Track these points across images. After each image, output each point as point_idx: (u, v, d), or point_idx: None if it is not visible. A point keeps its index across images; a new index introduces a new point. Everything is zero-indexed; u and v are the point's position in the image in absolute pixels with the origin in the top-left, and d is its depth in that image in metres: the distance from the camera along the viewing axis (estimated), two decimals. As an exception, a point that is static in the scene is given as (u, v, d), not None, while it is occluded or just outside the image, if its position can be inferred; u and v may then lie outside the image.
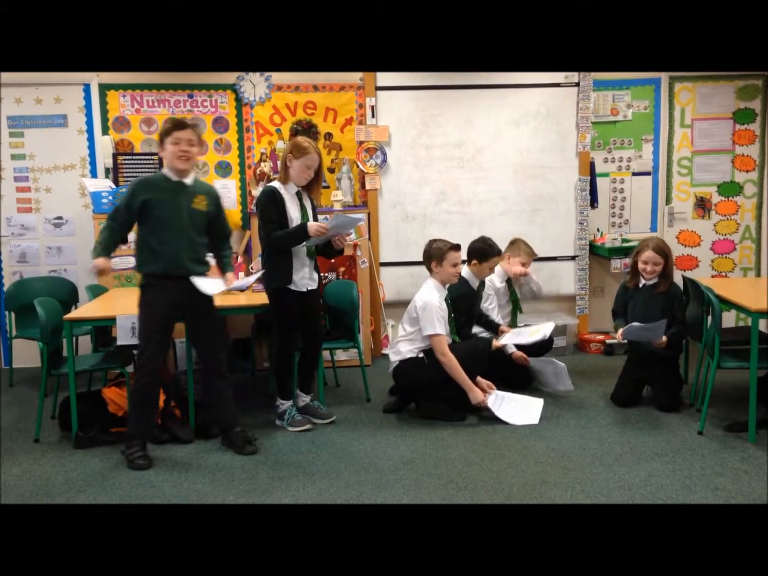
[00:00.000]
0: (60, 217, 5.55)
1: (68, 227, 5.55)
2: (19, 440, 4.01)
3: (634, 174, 5.87)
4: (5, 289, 5.29)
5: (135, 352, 3.93)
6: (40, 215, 5.55)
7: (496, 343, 4.45)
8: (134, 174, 5.16)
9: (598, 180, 5.71)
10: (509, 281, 4.88)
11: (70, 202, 5.53)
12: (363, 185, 5.56)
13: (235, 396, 4.03)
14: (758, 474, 3.33)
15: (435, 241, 4.28)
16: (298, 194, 3.96)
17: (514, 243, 4.89)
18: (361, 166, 5.48)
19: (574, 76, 5.49)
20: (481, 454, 3.66)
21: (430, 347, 4.13)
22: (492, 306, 4.76)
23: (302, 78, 5.51)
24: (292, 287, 3.90)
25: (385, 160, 5.47)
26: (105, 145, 5.38)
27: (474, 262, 4.51)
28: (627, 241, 5.64)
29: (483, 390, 4.20)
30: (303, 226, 3.81)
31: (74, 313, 4.22)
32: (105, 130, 5.45)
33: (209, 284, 3.63)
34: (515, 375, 4.60)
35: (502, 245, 4.88)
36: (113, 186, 5.17)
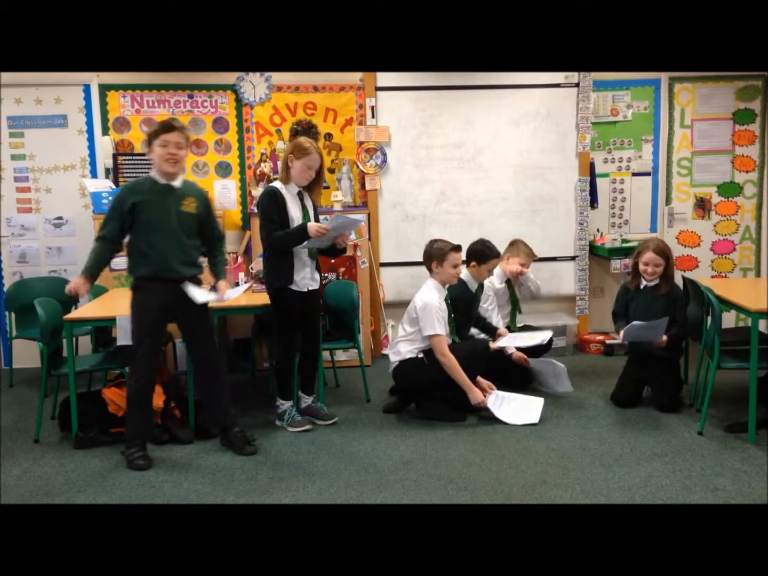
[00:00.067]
0: (60, 218, 5.55)
1: (68, 227, 5.55)
2: (19, 440, 4.01)
3: (634, 174, 5.88)
4: (5, 289, 5.29)
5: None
6: (40, 215, 5.55)
7: (494, 345, 4.45)
8: (134, 174, 5.16)
9: (598, 180, 5.71)
10: (509, 282, 4.88)
11: (70, 202, 5.53)
12: (363, 186, 5.56)
13: (235, 396, 4.04)
14: (758, 474, 3.33)
15: (436, 241, 4.28)
16: (300, 194, 3.96)
17: (514, 244, 4.89)
18: (361, 167, 5.48)
19: (574, 77, 5.49)
20: (481, 454, 3.66)
21: (430, 348, 4.13)
22: (492, 307, 4.76)
23: (302, 78, 5.51)
24: (293, 287, 3.90)
25: (385, 161, 5.47)
26: (105, 146, 5.38)
27: (473, 264, 4.51)
28: (627, 241, 5.64)
29: (483, 390, 4.20)
30: (303, 227, 3.81)
31: (74, 314, 4.22)
32: (105, 131, 5.45)
33: (199, 293, 3.62)
34: (515, 375, 4.60)
35: (503, 245, 4.88)
36: (113, 186, 5.17)
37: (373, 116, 5.44)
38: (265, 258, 3.97)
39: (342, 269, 5.33)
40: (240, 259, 4.91)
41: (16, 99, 5.41)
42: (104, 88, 5.43)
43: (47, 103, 5.44)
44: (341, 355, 5.24)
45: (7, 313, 5.18)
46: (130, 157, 5.32)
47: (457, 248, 4.22)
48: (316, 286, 4.04)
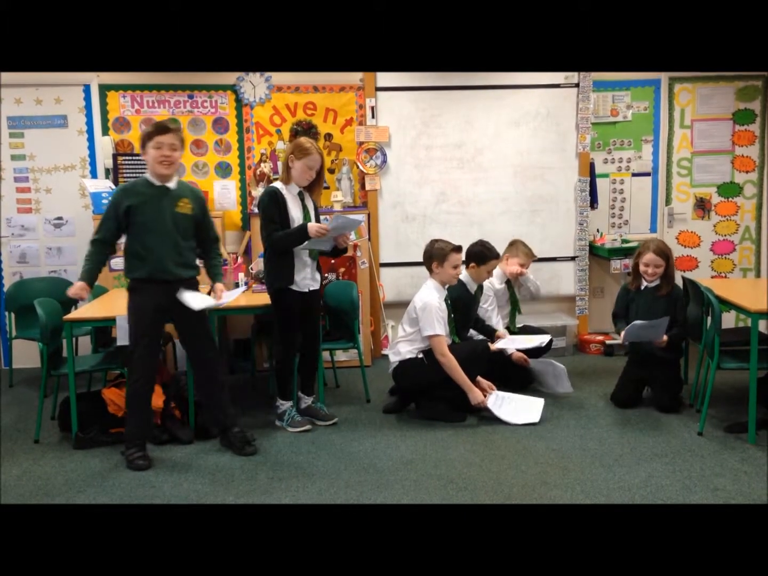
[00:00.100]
0: (60, 218, 5.55)
1: (68, 228, 5.55)
2: (19, 441, 4.01)
3: (634, 175, 5.88)
4: (5, 289, 5.29)
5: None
6: (40, 216, 5.55)
7: (492, 347, 4.44)
8: (134, 174, 5.15)
9: (598, 181, 5.71)
10: (508, 282, 4.88)
11: (70, 202, 5.53)
12: (363, 186, 5.56)
13: (235, 396, 4.04)
14: (758, 475, 3.33)
15: (437, 241, 4.28)
16: (300, 195, 3.96)
17: (513, 244, 4.89)
18: (361, 167, 5.48)
19: (573, 77, 5.49)
20: (481, 454, 3.66)
21: (430, 348, 4.13)
22: (491, 307, 4.76)
23: (302, 79, 5.51)
24: (294, 287, 3.90)
25: (385, 161, 5.47)
26: (105, 146, 5.38)
27: (472, 265, 4.51)
28: (627, 241, 5.64)
29: (483, 390, 4.20)
30: (303, 227, 3.81)
31: (74, 314, 4.22)
32: (105, 131, 5.45)
33: (197, 299, 3.61)
34: (515, 376, 4.60)
35: (503, 246, 4.89)
36: (113, 186, 5.17)
37: (373, 116, 5.44)
38: (266, 258, 3.97)
39: (342, 269, 5.33)
40: (240, 260, 4.91)
41: (16, 99, 5.41)
42: (104, 88, 5.43)
43: (47, 103, 5.44)
44: (341, 356, 5.25)
45: (7, 313, 5.18)
46: (130, 158, 5.32)
47: (458, 249, 4.23)
48: (316, 286, 4.04)
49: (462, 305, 4.41)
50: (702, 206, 5.97)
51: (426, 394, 4.22)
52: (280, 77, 5.51)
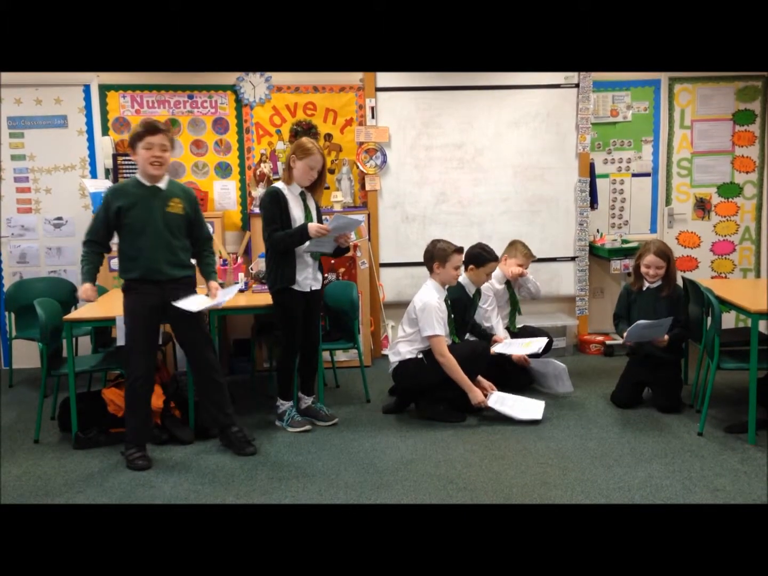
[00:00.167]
0: (60, 218, 5.55)
1: (68, 228, 5.55)
2: (19, 440, 4.01)
3: (634, 175, 5.88)
4: (5, 289, 5.29)
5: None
6: (40, 216, 5.55)
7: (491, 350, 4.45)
8: (134, 174, 5.15)
9: (598, 181, 5.71)
10: (508, 283, 4.87)
11: (70, 202, 5.53)
12: (363, 186, 5.56)
13: (235, 396, 4.04)
14: (758, 475, 3.33)
15: (438, 241, 4.28)
16: (302, 195, 3.96)
17: (512, 245, 4.89)
18: (361, 167, 5.48)
19: (573, 77, 5.49)
20: (481, 455, 3.65)
21: (430, 348, 4.13)
22: (491, 307, 4.76)
23: (302, 79, 5.51)
24: (296, 287, 3.90)
25: (385, 161, 5.47)
26: (105, 146, 5.38)
27: (471, 267, 4.50)
28: (627, 242, 5.64)
29: (484, 390, 4.20)
30: (303, 227, 3.81)
31: (74, 314, 4.22)
32: (105, 131, 5.45)
33: (192, 302, 3.61)
34: (515, 376, 4.59)
35: (503, 246, 4.89)
36: (113, 187, 5.17)
37: (373, 117, 5.44)
38: (268, 258, 3.97)
39: (342, 270, 5.33)
40: (240, 260, 4.91)
41: (16, 99, 5.41)
42: (104, 89, 5.43)
43: (47, 104, 5.44)
44: (341, 356, 5.25)
45: (7, 313, 5.18)
46: (130, 158, 5.31)
47: (460, 250, 4.23)
48: (318, 286, 4.04)
49: (459, 307, 4.40)
50: (702, 207, 5.97)
51: (426, 395, 4.22)
52: (280, 77, 5.50)
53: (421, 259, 4.36)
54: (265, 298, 4.15)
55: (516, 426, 4.03)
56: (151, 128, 3.50)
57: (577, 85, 5.49)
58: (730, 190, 5.94)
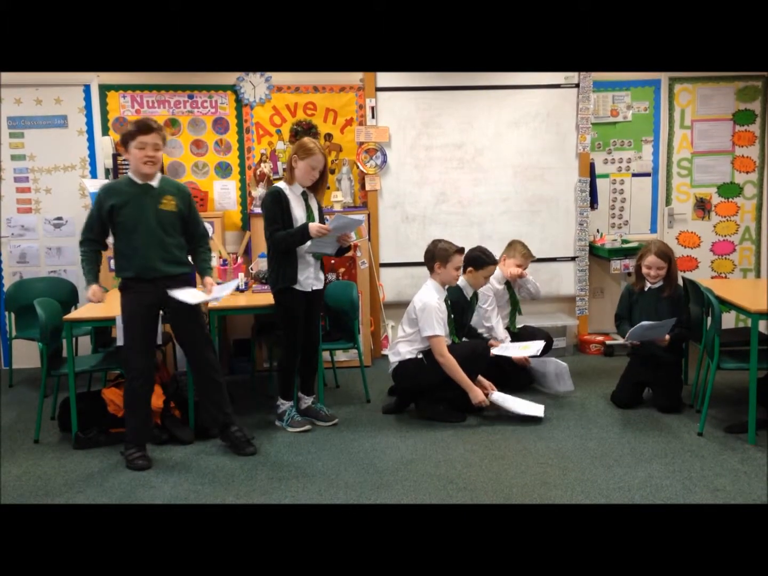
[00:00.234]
0: (60, 218, 5.55)
1: (68, 228, 5.54)
2: (19, 440, 4.01)
3: (634, 175, 5.87)
4: (5, 289, 5.29)
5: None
6: (40, 216, 5.55)
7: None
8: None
9: (598, 181, 5.71)
10: (508, 283, 4.87)
11: (70, 202, 5.53)
12: (363, 186, 5.56)
13: (235, 396, 4.04)
14: (758, 475, 3.33)
15: (440, 241, 4.28)
16: (304, 195, 3.96)
17: (511, 245, 4.88)
18: (361, 167, 5.48)
19: (574, 77, 5.49)
20: (481, 455, 3.65)
21: (430, 348, 4.13)
22: (491, 307, 4.76)
23: (302, 79, 5.51)
24: (297, 287, 3.90)
25: (385, 161, 5.47)
26: (105, 146, 5.38)
27: (470, 269, 4.49)
28: (627, 242, 5.64)
29: (485, 389, 4.20)
30: (304, 227, 3.81)
31: (74, 314, 4.22)
32: (105, 131, 5.45)
33: (188, 294, 3.60)
34: (515, 376, 4.59)
35: (503, 246, 4.89)
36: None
37: (373, 117, 5.44)
38: (270, 258, 3.97)
39: (342, 270, 5.33)
40: (240, 260, 4.91)
41: (16, 99, 5.40)
42: (104, 89, 5.42)
43: (47, 104, 5.44)
44: (341, 356, 5.25)
45: (7, 313, 5.18)
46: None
47: (461, 250, 4.23)
48: (320, 285, 4.04)
49: (457, 310, 4.38)
50: (702, 207, 5.97)
51: (426, 395, 4.22)
52: (280, 77, 5.50)
53: (421, 259, 4.36)
54: (265, 298, 4.14)
55: (516, 426, 4.03)
56: (144, 127, 3.49)
57: (577, 85, 5.49)
58: (730, 190, 5.94)
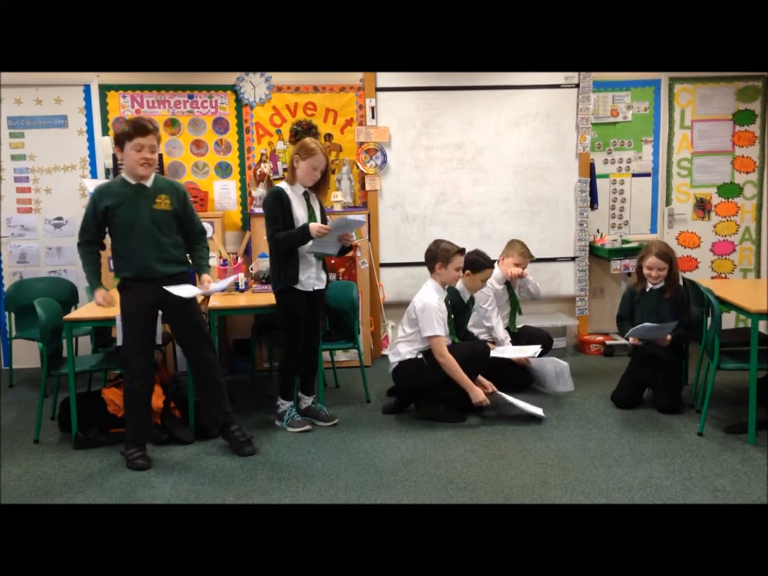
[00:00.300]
0: (60, 218, 5.55)
1: (68, 228, 5.54)
2: (19, 440, 4.01)
3: (634, 175, 5.87)
4: (5, 289, 5.29)
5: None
6: (40, 216, 5.55)
7: None
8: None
9: (598, 181, 5.71)
10: (508, 283, 4.87)
11: (70, 202, 5.53)
12: (363, 186, 5.56)
13: (235, 396, 4.04)
14: (758, 475, 3.33)
15: (441, 242, 4.28)
16: (306, 195, 3.96)
17: (510, 244, 4.88)
18: (361, 167, 5.48)
19: (574, 77, 5.49)
20: (481, 455, 3.65)
21: (430, 348, 4.13)
22: (491, 307, 4.75)
23: (302, 79, 5.51)
24: (299, 287, 3.90)
25: (385, 161, 5.47)
26: (105, 146, 5.37)
27: (467, 272, 4.49)
28: (627, 242, 5.64)
29: (485, 388, 4.20)
30: (305, 227, 3.81)
31: (74, 314, 4.22)
32: (105, 131, 5.45)
33: (184, 289, 3.60)
34: (515, 376, 4.59)
35: (502, 246, 4.88)
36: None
37: (373, 117, 5.44)
38: (271, 258, 3.97)
39: (342, 270, 5.33)
40: (240, 260, 4.91)
41: (16, 99, 5.40)
42: (104, 88, 5.42)
43: (47, 104, 5.44)
44: (341, 356, 5.25)
45: (7, 313, 5.18)
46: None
47: (462, 251, 4.23)
48: (322, 285, 4.04)
49: (454, 312, 4.38)
50: (702, 207, 5.97)
51: (426, 395, 4.21)
52: (280, 77, 5.50)
53: (421, 259, 4.36)
54: (265, 298, 4.14)
55: (516, 426, 4.03)
56: (141, 129, 3.47)
57: (577, 85, 5.49)
58: (730, 190, 5.94)
